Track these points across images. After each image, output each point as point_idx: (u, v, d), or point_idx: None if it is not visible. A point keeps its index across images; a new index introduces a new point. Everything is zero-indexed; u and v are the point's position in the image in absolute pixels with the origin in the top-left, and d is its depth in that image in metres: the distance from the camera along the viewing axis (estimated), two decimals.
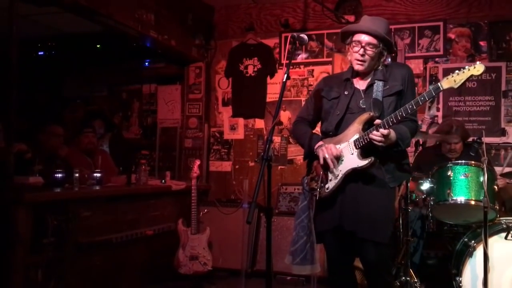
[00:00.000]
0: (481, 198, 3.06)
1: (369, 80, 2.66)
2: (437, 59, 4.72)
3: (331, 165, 2.56)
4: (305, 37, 2.54)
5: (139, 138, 6.09)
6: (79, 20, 4.13)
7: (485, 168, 3.09)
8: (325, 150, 2.59)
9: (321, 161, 2.61)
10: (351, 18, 4.86)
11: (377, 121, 2.47)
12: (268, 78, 5.26)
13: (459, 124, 4.01)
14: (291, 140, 5.16)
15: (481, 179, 3.15)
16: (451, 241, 3.69)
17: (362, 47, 2.59)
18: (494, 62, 4.53)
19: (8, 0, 3.13)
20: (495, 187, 3.35)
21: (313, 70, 5.14)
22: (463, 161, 3.41)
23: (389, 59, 2.78)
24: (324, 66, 5.06)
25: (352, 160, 2.54)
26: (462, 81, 2.32)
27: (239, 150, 5.41)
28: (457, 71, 2.36)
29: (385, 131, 2.42)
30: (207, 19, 5.46)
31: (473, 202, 3.22)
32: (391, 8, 4.87)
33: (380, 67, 2.66)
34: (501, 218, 3.33)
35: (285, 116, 5.21)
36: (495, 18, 4.55)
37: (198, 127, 5.49)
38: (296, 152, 5.14)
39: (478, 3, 4.60)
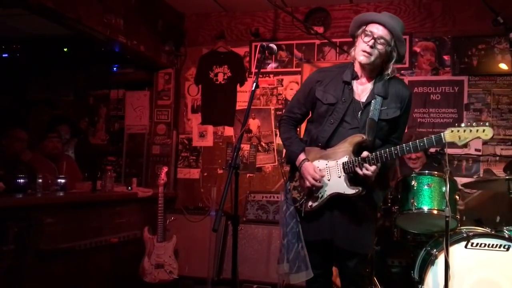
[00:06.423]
0: (443, 207, 3.14)
1: (369, 90, 2.57)
2: (402, 71, 4.82)
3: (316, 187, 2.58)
4: (274, 47, 2.56)
5: (105, 144, 5.98)
6: (46, 22, 4.04)
7: (447, 179, 3.16)
8: (309, 177, 2.57)
9: (307, 183, 2.60)
10: (320, 29, 4.94)
11: (365, 154, 2.44)
12: (238, 86, 5.27)
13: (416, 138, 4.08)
14: (260, 148, 5.19)
15: (444, 189, 3.24)
16: (414, 249, 3.76)
17: (373, 38, 2.46)
18: (457, 76, 4.67)
19: None
20: (457, 197, 3.45)
21: (282, 79, 5.19)
22: (427, 171, 3.49)
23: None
24: (294, 76, 5.11)
25: (339, 184, 2.54)
26: (467, 140, 2.29)
27: (207, 157, 5.39)
28: (463, 126, 2.30)
29: (372, 168, 2.42)
30: (178, 26, 5.44)
31: (435, 212, 3.29)
32: None
33: (383, 75, 2.56)
34: (462, 228, 3.42)
35: (255, 124, 5.23)
36: (458, 33, 4.70)
37: (167, 133, 5.44)
38: (265, 160, 5.17)
39: (442, 18, 4.74)
